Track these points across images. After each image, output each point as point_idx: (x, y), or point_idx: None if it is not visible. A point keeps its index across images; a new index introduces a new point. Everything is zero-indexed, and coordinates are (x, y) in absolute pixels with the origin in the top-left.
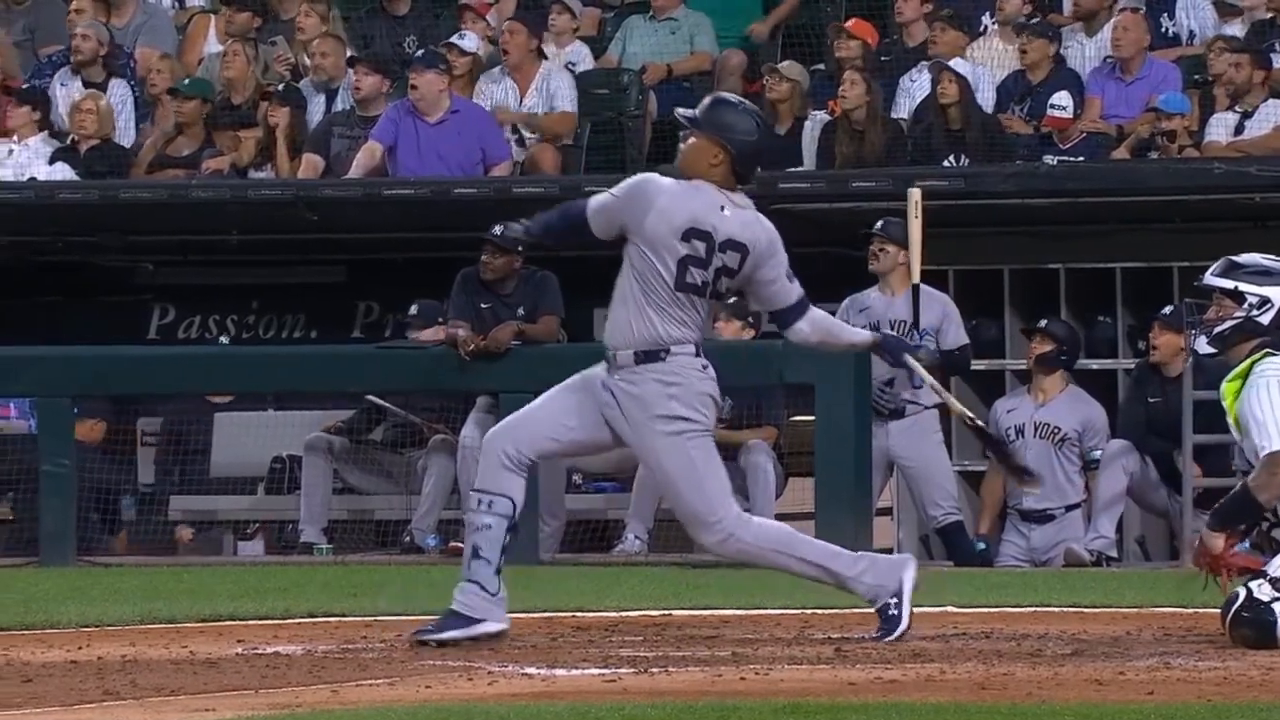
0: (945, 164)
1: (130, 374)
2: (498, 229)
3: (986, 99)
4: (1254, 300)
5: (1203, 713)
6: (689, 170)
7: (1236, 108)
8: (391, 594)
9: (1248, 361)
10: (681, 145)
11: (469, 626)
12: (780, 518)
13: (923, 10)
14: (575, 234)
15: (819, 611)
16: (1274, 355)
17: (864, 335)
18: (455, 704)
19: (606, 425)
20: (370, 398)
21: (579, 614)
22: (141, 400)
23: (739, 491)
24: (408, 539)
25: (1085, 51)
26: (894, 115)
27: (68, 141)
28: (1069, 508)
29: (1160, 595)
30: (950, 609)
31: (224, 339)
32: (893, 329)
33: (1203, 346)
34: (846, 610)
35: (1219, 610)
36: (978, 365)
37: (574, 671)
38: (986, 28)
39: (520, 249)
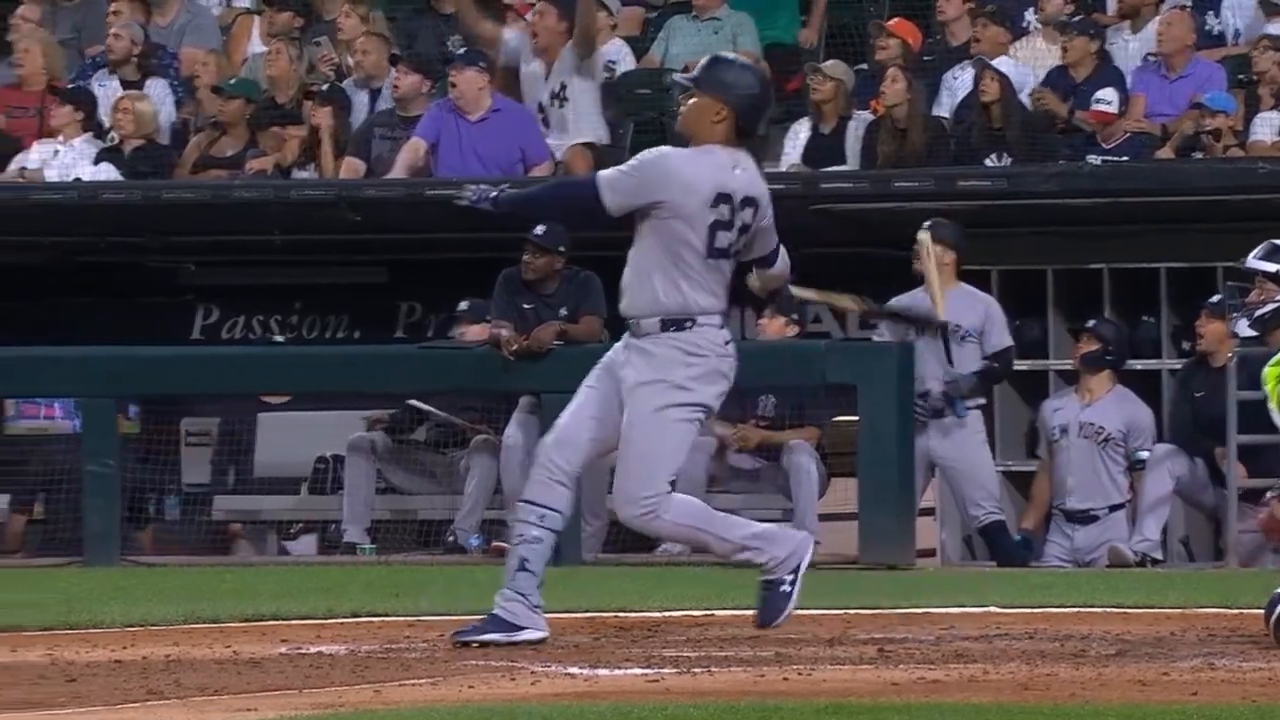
0: (987, 163)
1: (173, 374)
2: (469, 192)
3: (1029, 98)
4: None
5: (1247, 714)
6: (691, 130)
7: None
8: (434, 594)
9: None
10: (681, 108)
11: (511, 633)
12: (823, 519)
13: (965, 8)
14: (574, 213)
15: (862, 612)
16: None
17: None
18: (498, 704)
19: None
20: (411, 402)
21: (622, 614)
22: (185, 400)
23: (781, 491)
24: (451, 539)
25: (1129, 49)
26: (936, 113)
27: (110, 141)
28: (1113, 508)
29: (1204, 596)
30: (993, 609)
31: (279, 338)
32: (934, 335)
33: (1244, 330)
34: (889, 610)
35: (1262, 611)
36: (1021, 366)
37: (617, 671)
38: (1029, 26)
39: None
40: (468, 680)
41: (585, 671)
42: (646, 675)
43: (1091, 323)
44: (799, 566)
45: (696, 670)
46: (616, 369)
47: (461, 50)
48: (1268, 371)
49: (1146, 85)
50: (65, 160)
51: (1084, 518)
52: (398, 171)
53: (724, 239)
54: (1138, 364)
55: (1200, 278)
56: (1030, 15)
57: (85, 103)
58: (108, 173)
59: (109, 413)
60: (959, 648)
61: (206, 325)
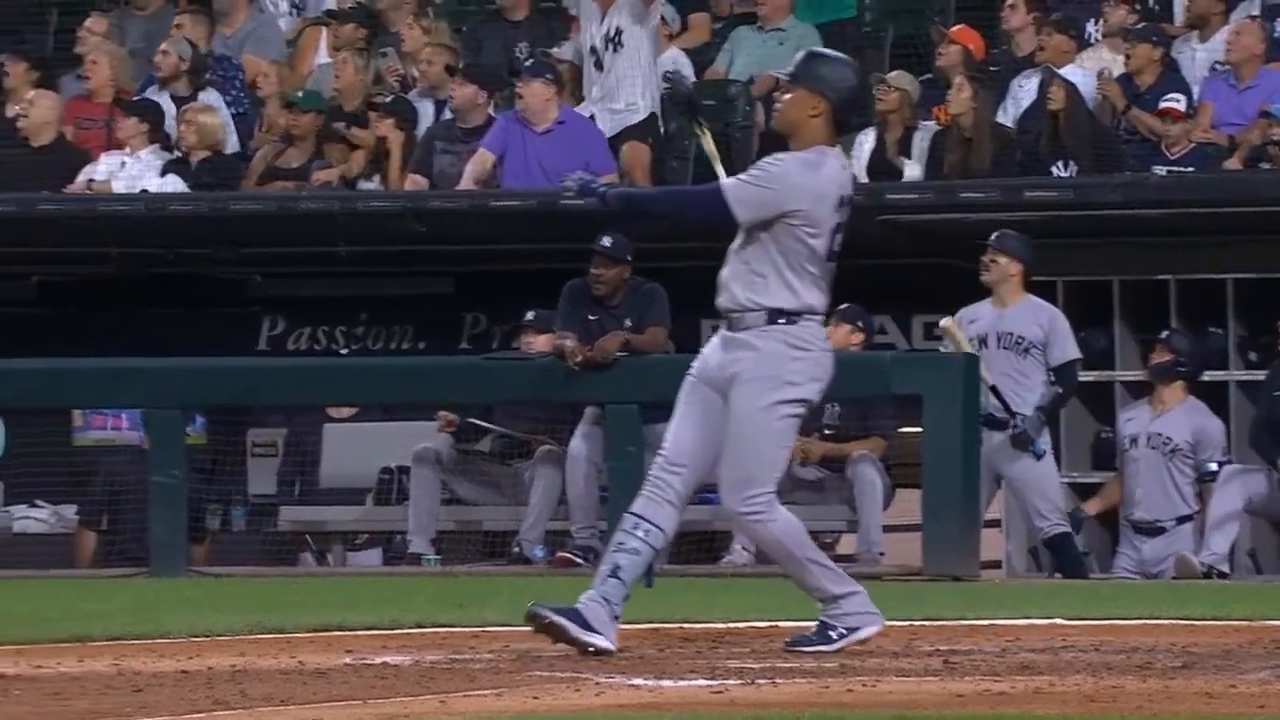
0: (1054, 170)
1: (240, 385)
2: (571, 182)
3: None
4: None
5: None
6: (789, 124)
7: None
8: (499, 605)
9: None
10: (778, 103)
11: (585, 632)
12: (887, 530)
13: (1029, 18)
14: (689, 220)
15: (926, 623)
16: None
17: None
18: (562, 714)
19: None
20: (471, 420)
21: (686, 625)
22: (251, 412)
23: (845, 502)
24: (515, 550)
25: (1197, 58)
26: (1000, 121)
27: (176, 153)
28: (1180, 520)
29: (1271, 608)
30: (1059, 621)
31: (343, 351)
32: (1000, 343)
33: None
34: (954, 622)
35: None
36: (1087, 377)
37: (681, 682)
38: (1091, 38)
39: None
40: (532, 691)
41: (650, 682)
42: (711, 686)
43: (1165, 333)
44: (855, 630)
45: (761, 681)
46: (711, 370)
47: (529, 61)
48: None
49: (1215, 95)
50: (132, 172)
51: (1151, 529)
52: (465, 184)
53: (838, 240)
54: (1205, 375)
55: (1268, 288)
56: (1091, 26)
57: (152, 114)
58: (175, 184)
59: (175, 424)
60: (1024, 659)
61: (272, 336)
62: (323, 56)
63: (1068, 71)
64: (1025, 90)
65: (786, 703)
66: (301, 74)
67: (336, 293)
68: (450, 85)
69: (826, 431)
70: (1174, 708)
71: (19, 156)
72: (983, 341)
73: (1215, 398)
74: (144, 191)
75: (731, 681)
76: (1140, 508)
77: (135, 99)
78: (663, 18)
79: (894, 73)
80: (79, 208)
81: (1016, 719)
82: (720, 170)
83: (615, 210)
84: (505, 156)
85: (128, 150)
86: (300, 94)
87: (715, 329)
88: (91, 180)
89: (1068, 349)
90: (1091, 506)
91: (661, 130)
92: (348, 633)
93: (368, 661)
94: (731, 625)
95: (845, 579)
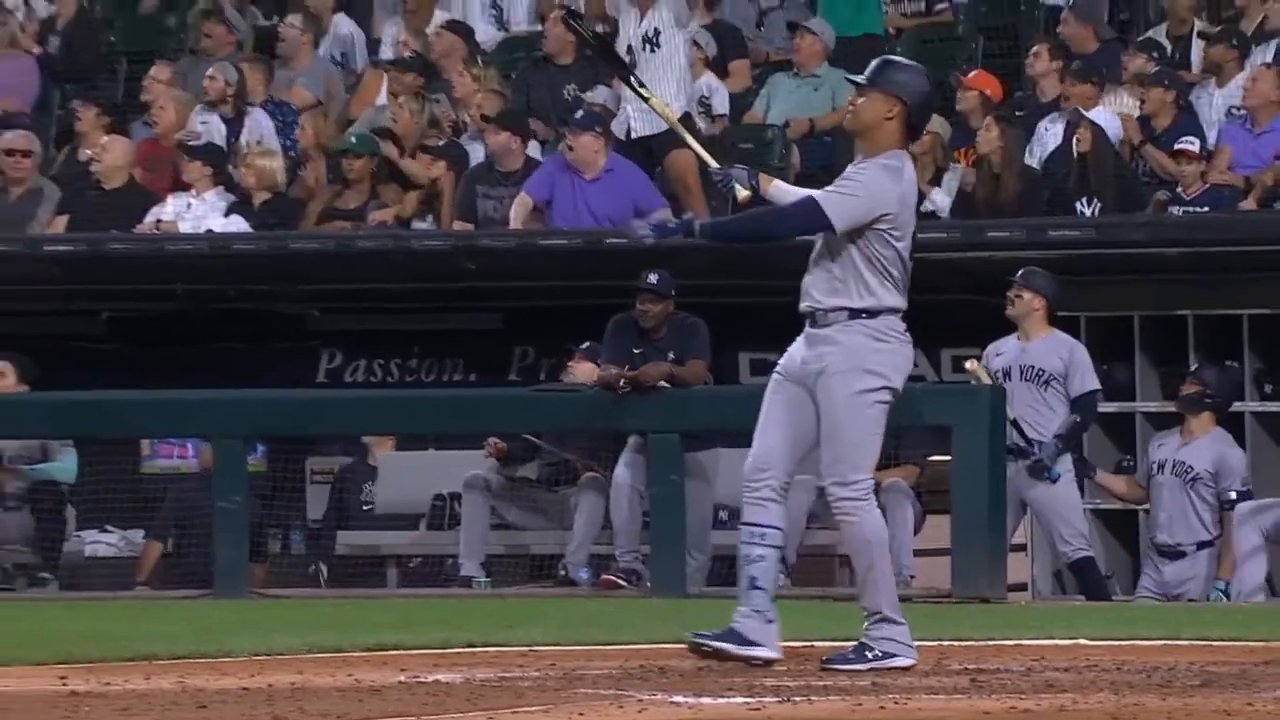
0: (1078, 205)
1: (299, 416)
2: (642, 231)
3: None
4: None
5: None
6: (863, 126)
7: None
8: (546, 625)
9: None
10: (851, 107)
11: (745, 647)
12: (918, 554)
13: (1052, 65)
14: (791, 235)
15: (955, 643)
16: None
17: None
18: None
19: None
20: (526, 435)
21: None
22: (310, 440)
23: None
24: (562, 572)
25: (1214, 103)
26: (1028, 161)
27: (240, 195)
28: (1200, 545)
29: None
30: (1083, 642)
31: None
32: (1022, 376)
33: None
34: (982, 642)
35: None
36: (1109, 408)
37: (719, 700)
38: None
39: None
40: (577, 708)
41: (690, 700)
42: (749, 704)
43: (1195, 366)
44: (891, 657)
45: (797, 699)
46: (797, 366)
47: (579, 114)
48: None
49: (1232, 138)
50: (198, 212)
51: (1173, 553)
52: (511, 226)
53: (914, 240)
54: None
55: None
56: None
57: (216, 158)
58: (238, 224)
59: (238, 452)
60: (1049, 678)
61: (330, 369)
62: (382, 99)
63: (1094, 114)
64: (1050, 133)
65: (821, 719)
66: (355, 114)
67: (391, 327)
68: (487, 133)
69: None
70: None
71: (92, 198)
72: (1006, 375)
73: (1233, 428)
74: (209, 231)
75: (768, 699)
76: (1163, 532)
77: (201, 144)
78: (697, 43)
79: None
80: (147, 247)
81: None
82: (689, 138)
83: (706, 242)
84: (554, 201)
85: (194, 192)
86: (354, 139)
87: (752, 362)
88: (159, 220)
89: (1087, 381)
90: (1106, 479)
91: (700, 130)
92: (402, 652)
93: (421, 679)
94: None
95: (898, 607)
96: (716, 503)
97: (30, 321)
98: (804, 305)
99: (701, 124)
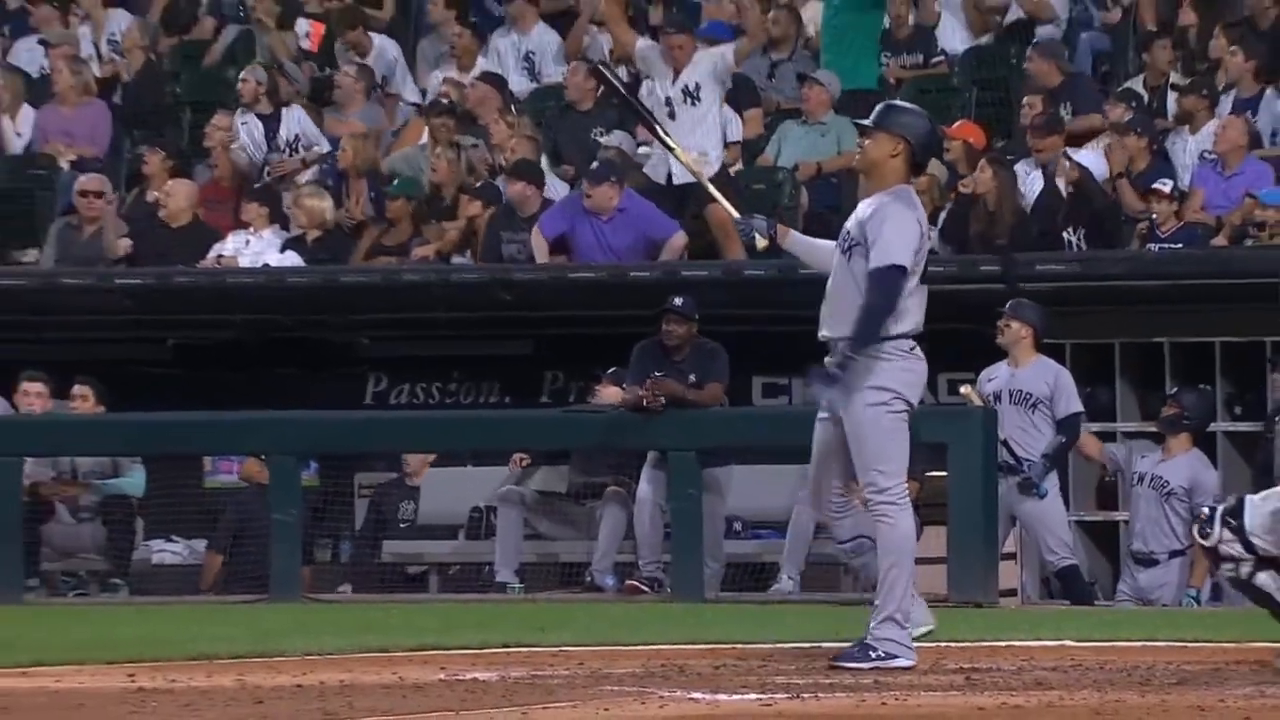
0: (1065, 235)
1: (349, 435)
2: (825, 394)
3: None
4: None
5: None
6: (871, 164)
7: None
8: (575, 628)
9: None
10: (860, 148)
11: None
12: (918, 562)
13: (1045, 115)
14: (895, 300)
15: (951, 644)
16: None
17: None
18: None
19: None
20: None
21: (739, 646)
22: (358, 458)
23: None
24: (588, 579)
25: (1188, 148)
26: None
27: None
28: (1173, 554)
29: (1256, 632)
30: (1068, 643)
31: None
32: (1011, 399)
33: None
34: (975, 644)
35: None
36: (1091, 427)
37: (735, 696)
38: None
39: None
40: (604, 704)
41: (707, 696)
42: (761, 700)
43: (1173, 390)
44: (893, 658)
45: (805, 695)
46: (828, 393)
47: (595, 166)
48: None
49: (1204, 180)
50: (256, 248)
51: (1147, 560)
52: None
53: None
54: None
55: (1252, 350)
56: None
57: (272, 200)
58: (292, 259)
59: (293, 469)
60: (1038, 676)
61: (377, 392)
62: (422, 140)
63: (1081, 156)
64: (1033, 176)
65: (828, 715)
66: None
67: (433, 353)
68: (505, 184)
69: None
70: (1169, 718)
71: (159, 236)
72: (997, 398)
73: (1205, 448)
74: (266, 265)
75: (779, 695)
76: (1139, 540)
77: (258, 185)
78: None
79: None
80: (209, 280)
81: None
82: (713, 190)
83: (860, 357)
84: (576, 240)
85: (252, 229)
86: (395, 183)
87: (764, 385)
88: (221, 256)
89: (1071, 403)
90: (1086, 444)
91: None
92: (442, 652)
93: (459, 677)
94: (779, 646)
95: (907, 613)
96: (730, 514)
97: (102, 348)
98: (821, 334)
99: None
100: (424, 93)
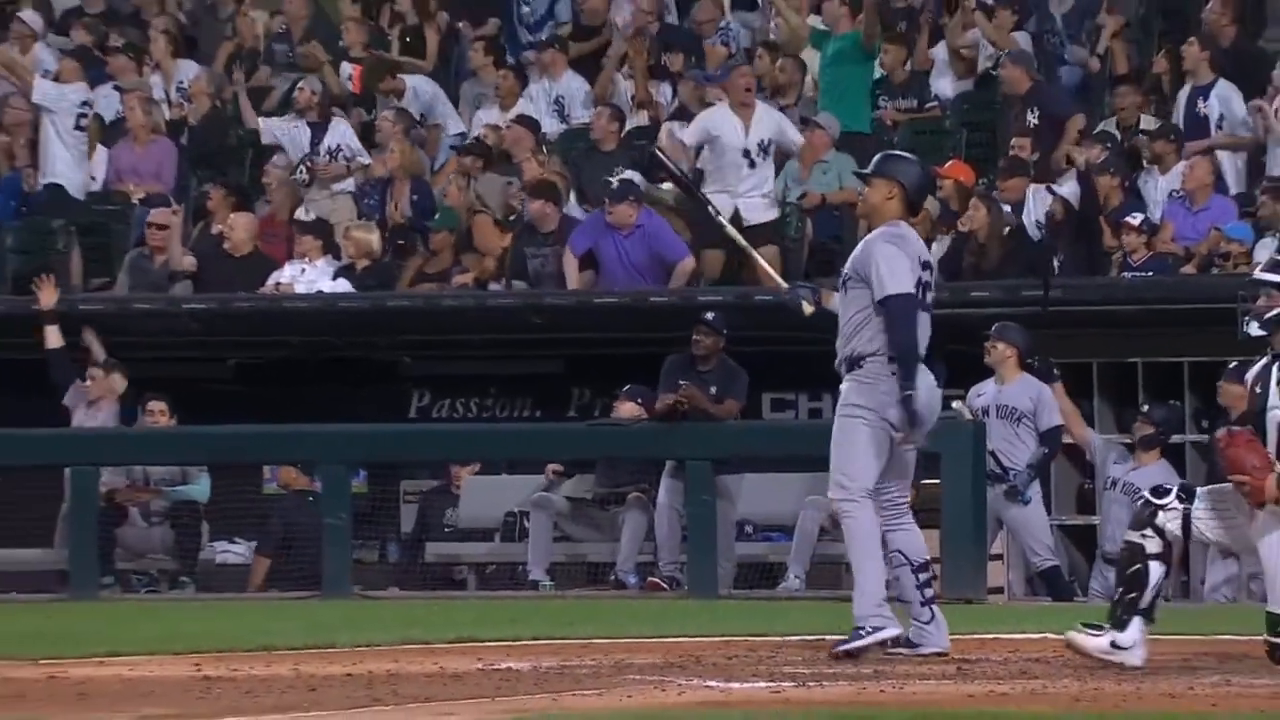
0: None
1: (394, 446)
2: (916, 440)
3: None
4: None
5: None
6: (871, 207)
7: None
8: (601, 622)
9: None
10: (861, 195)
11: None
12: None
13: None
14: (913, 324)
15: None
16: None
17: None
18: (651, 710)
19: None
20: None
21: (750, 639)
22: (403, 466)
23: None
24: (613, 577)
25: (1159, 186)
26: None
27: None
28: None
29: (1222, 626)
30: (1050, 636)
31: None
32: (998, 414)
33: (1255, 330)
34: (966, 636)
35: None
36: (1070, 439)
37: (746, 685)
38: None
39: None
40: (627, 691)
41: (721, 684)
42: (770, 687)
43: (1145, 408)
44: (880, 630)
45: (810, 684)
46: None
47: (616, 186)
48: None
49: (1173, 215)
50: (310, 276)
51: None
52: (569, 281)
53: (930, 297)
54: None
55: (1218, 369)
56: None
57: (324, 233)
58: (343, 286)
59: (343, 477)
60: (1023, 666)
61: (420, 407)
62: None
63: (1062, 189)
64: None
65: (831, 701)
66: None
67: (471, 371)
68: (529, 201)
69: None
70: (1142, 706)
71: (222, 265)
72: (985, 412)
73: (1174, 457)
74: (319, 292)
75: (786, 684)
76: (1109, 542)
77: (311, 220)
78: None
79: None
80: (268, 305)
81: (1015, 715)
82: (759, 260)
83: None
84: (601, 256)
85: (306, 259)
86: (437, 216)
87: (773, 400)
88: (278, 283)
89: (1053, 417)
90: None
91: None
92: (479, 644)
93: (495, 667)
94: (787, 639)
95: (883, 592)
96: (741, 519)
97: (171, 367)
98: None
99: None
100: (463, 135)
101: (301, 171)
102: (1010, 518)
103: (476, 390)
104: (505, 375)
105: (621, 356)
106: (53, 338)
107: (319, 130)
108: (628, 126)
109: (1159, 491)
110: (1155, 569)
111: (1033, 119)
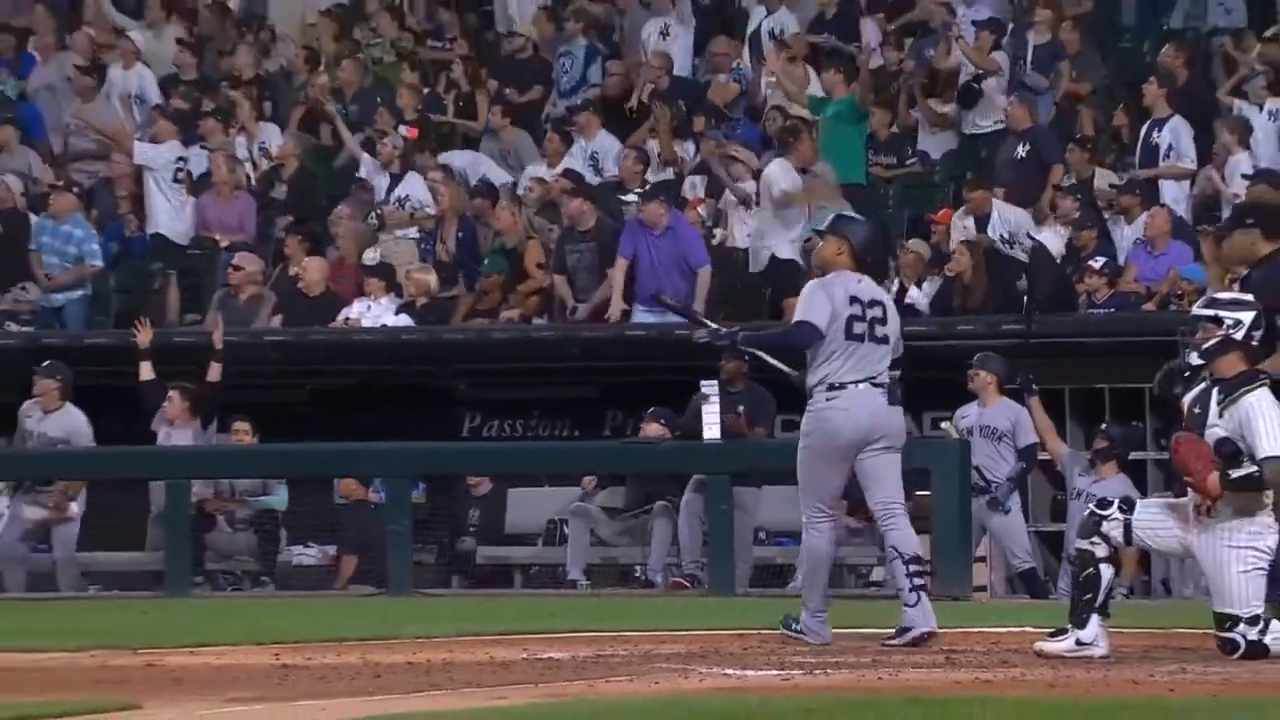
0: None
1: (450, 462)
2: (702, 333)
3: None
4: (1230, 322)
5: (1208, 704)
6: (823, 262)
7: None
8: (631, 617)
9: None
10: (815, 251)
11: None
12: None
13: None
14: (794, 349)
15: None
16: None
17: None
18: (676, 694)
19: None
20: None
21: (764, 632)
22: (457, 480)
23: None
24: (642, 577)
25: (1125, 233)
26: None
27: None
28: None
29: (1179, 621)
30: (1028, 629)
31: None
32: (981, 433)
33: (1194, 360)
34: (954, 629)
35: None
36: (1045, 456)
37: (760, 672)
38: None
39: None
40: (655, 678)
41: (737, 672)
42: (781, 675)
43: (1103, 426)
44: (803, 635)
45: (816, 672)
46: None
47: (647, 188)
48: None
49: (1137, 259)
50: (375, 312)
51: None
52: (615, 286)
53: (858, 327)
54: (1130, 456)
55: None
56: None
57: (387, 275)
58: (405, 321)
59: (405, 489)
60: (1004, 656)
61: (472, 427)
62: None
63: (1043, 236)
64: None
65: (835, 686)
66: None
67: (517, 396)
68: (567, 201)
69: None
70: (1108, 691)
71: (299, 302)
72: (970, 432)
73: (1136, 472)
74: (383, 326)
75: (795, 672)
76: (1074, 546)
77: (376, 263)
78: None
79: (912, 240)
80: (339, 337)
81: (998, 700)
82: (768, 359)
83: (741, 351)
84: (637, 255)
85: (372, 297)
86: (486, 262)
87: (783, 422)
88: (348, 318)
89: (1029, 436)
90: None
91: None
92: (525, 636)
93: (538, 656)
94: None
95: (823, 605)
96: (757, 526)
97: (254, 392)
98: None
99: None
100: (515, 184)
101: (373, 217)
102: (992, 525)
103: (522, 412)
104: (547, 399)
105: (649, 383)
106: (145, 371)
107: (395, 180)
108: (653, 179)
109: (1103, 504)
110: (1105, 571)
111: (1022, 152)
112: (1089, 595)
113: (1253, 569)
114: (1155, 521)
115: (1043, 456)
